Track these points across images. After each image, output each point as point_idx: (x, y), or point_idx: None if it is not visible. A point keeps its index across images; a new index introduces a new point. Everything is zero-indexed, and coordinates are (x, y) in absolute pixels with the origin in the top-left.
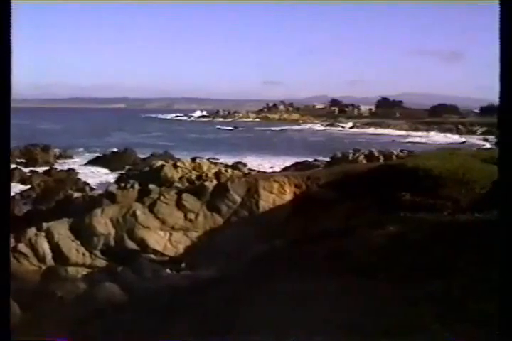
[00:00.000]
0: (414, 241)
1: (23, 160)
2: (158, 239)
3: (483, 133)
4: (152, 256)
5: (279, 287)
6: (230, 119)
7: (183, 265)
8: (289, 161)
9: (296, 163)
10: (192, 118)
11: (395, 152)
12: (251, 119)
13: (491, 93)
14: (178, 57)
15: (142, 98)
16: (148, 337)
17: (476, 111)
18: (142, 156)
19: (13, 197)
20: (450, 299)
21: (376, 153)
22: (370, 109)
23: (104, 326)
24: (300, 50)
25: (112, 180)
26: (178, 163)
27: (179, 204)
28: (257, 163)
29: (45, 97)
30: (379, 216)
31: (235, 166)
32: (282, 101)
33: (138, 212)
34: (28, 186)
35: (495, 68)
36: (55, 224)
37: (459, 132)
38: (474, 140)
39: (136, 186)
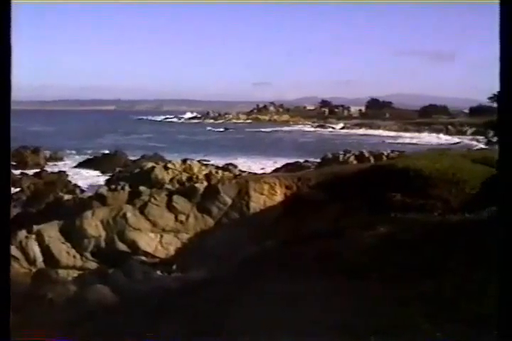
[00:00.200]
0: (405, 242)
1: (13, 163)
2: (149, 241)
3: (472, 134)
4: (143, 258)
5: (269, 288)
6: (220, 121)
7: (174, 267)
8: (279, 162)
9: (287, 164)
10: (182, 120)
11: (385, 153)
12: (241, 121)
13: (480, 93)
14: (167, 58)
15: (132, 100)
16: (139, 338)
17: (466, 111)
18: (133, 158)
19: None
20: (441, 299)
21: (366, 154)
22: (360, 110)
23: (95, 328)
24: (290, 51)
25: (103, 182)
26: (169, 165)
27: (170, 206)
28: (247, 164)
29: (34, 99)
30: (369, 217)
31: (225, 168)
32: (272, 103)
33: (128, 214)
34: (18, 189)
35: (485, 69)
36: (45, 226)
37: (448, 132)
38: (467, 140)
39: (127, 188)
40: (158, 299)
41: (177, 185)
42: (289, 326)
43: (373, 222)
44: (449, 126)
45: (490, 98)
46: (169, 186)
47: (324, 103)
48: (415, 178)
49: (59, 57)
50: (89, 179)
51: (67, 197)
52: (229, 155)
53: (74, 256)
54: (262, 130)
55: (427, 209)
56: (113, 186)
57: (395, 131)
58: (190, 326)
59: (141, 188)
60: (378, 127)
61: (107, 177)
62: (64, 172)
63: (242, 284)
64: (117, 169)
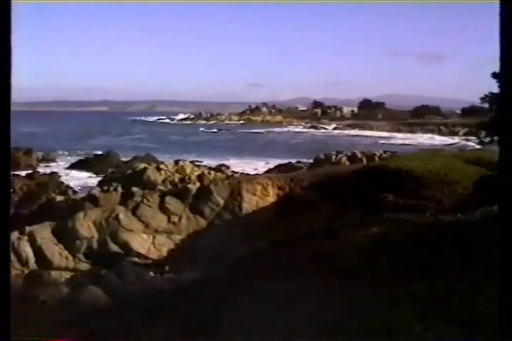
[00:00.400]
0: (397, 242)
1: None
2: (141, 242)
3: (465, 134)
4: (136, 259)
5: (262, 288)
6: (212, 122)
7: (166, 268)
8: (272, 163)
9: (280, 165)
10: (175, 121)
11: (377, 153)
12: (234, 121)
13: (472, 94)
14: (160, 59)
15: (124, 101)
16: (132, 339)
17: (458, 112)
18: (126, 159)
19: None
20: (433, 299)
21: (359, 155)
22: (352, 111)
23: (88, 329)
24: (282, 52)
25: (95, 184)
26: (161, 166)
27: (162, 207)
28: (240, 165)
29: (26, 100)
30: (362, 217)
31: (218, 169)
32: (265, 104)
33: (121, 215)
34: (11, 190)
35: (477, 70)
36: (37, 227)
37: (441, 133)
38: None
39: (119, 189)
40: (151, 300)
41: (169, 186)
42: (282, 326)
43: (366, 223)
44: (442, 127)
45: (482, 99)
46: (162, 187)
47: (316, 104)
48: (407, 179)
49: (51, 59)
50: (81, 180)
51: (59, 198)
52: (222, 156)
53: (66, 258)
54: (255, 131)
55: (420, 209)
56: (105, 187)
57: (387, 131)
58: (183, 326)
59: (134, 189)
60: (371, 128)
61: (99, 179)
62: (56, 173)
63: (234, 284)
64: (110, 170)
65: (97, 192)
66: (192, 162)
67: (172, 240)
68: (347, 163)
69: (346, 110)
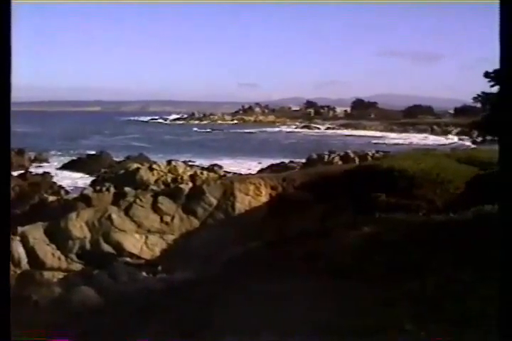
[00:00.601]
0: (389, 242)
1: None
2: (134, 242)
3: (457, 134)
4: (128, 259)
5: (255, 288)
6: (205, 122)
7: (159, 268)
8: (265, 163)
9: (272, 165)
10: (168, 121)
11: (370, 153)
12: (227, 121)
13: (465, 94)
14: (153, 59)
15: (117, 101)
16: (125, 339)
17: (451, 111)
18: (119, 159)
19: None
20: (425, 299)
21: (351, 155)
22: (345, 111)
23: (80, 329)
24: (274, 52)
25: (87, 184)
26: (154, 166)
27: (155, 207)
28: (233, 165)
29: (19, 100)
30: (354, 217)
31: (210, 168)
32: (258, 103)
33: (113, 215)
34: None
35: (470, 70)
36: (30, 228)
37: (434, 133)
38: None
39: (112, 189)
40: (144, 300)
41: (162, 186)
42: (275, 326)
43: (358, 223)
44: (435, 126)
45: (474, 98)
46: (154, 187)
47: (309, 104)
48: (400, 178)
49: (43, 58)
50: (73, 180)
51: (51, 198)
52: (215, 156)
53: (59, 258)
54: (248, 131)
55: (412, 209)
56: (98, 187)
57: (380, 131)
58: (175, 326)
59: (126, 189)
60: (364, 127)
61: (91, 179)
62: (48, 173)
63: (227, 284)
64: (102, 170)
65: (89, 192)
66: (184, 162)
67: (165, 240)
68: (339, 163)
69: (339, 110)
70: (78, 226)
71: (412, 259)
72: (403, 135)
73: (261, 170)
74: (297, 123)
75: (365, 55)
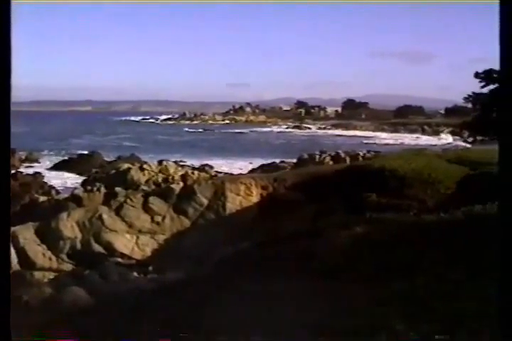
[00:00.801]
0: (381, 242)
1: None
2: (125, 243)
3: (452, 134)
4: (119, 259)
5: (246, 288)
6: (196, 122)
7: (150, 268)
8: (256, 163)
9: (263, 165)
10: (159, 121)
11: (361, 153)
12: (218, 121)
13: (456, 94)
14: (143, 59)
15: (108, 100)
16: (116, 339)
17: (442, 112)
18: (109, 159)
19: None
20: (416, 299)
21: (342, 155)
22: (336, 111)
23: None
24: (265, 52)
25: (79, 184)
26: (145, 166)
27: (146, 207)
28: (224, 165)
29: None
30: (346, 217)
31: (201, 168)
32: (248, 103)
33: (104, 216)
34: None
35: (460, 70)
36: (20, 228)
37: (424, 133)
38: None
39: (103, 189)
40: (135, 300)
41: (153, 186)
42: (266, 326)
43: (349, 222)
44: (425, 127)
45: (465, 98)
46: (145, 187)
47: (300, 104)
48: (391, 178)
49: (32, 58)
50: (64, 180)
51: (42, 198)
52: (205, 156)
53: (50, 258)
54: (239, 131)
55: (403, 209)
56: (89, 187)
57: (372, 131)
58: (166, 326)
59: (117, 189)
60: (355, 127)
61: (82, 179)
62: (39, 173)
63: (218, 284)
64: (93, 170)
65: (80, 192)
66: (176, 162)
67: (156, 240)
68: (330, 163)
69: (330, 110)
70: (69, 226)
71: (403, 259)
72: (394, 135)
73: (252, 170)
74: (288, 123)
75: (357, 56)
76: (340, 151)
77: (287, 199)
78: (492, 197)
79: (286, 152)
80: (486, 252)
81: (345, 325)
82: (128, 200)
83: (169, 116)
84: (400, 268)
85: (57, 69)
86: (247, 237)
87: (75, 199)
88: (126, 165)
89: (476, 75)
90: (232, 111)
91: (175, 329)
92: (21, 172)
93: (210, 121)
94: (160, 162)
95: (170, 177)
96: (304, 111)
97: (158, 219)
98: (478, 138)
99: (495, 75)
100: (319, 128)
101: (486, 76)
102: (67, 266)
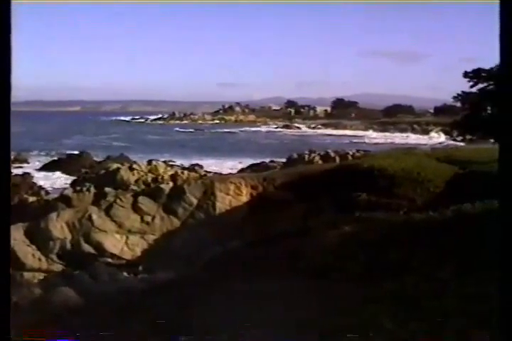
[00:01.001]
0: (370, 241)
1: None
2: (115, 243)
3: (436, 133)
4: (109, 259)
5: (236, 287)
6: (186, 121)
7: (140, 268)
8: (245, 163)
9: (253, 165)
10: (148, 121)
11: (350, 152)
12: (207, 121)
13: (445, 93)
14: (131, 58)
15: (97, 100)
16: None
17: (431, 111)
18: (99, 159)
19: None
20: (405, 298)
21: (332, 154)
22: (325, 110)
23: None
24: (255, 51)
25: (68, 184)
26: (134, 166)
27: (135, 207)
28: (214, 165)
29: None
30: (335, 216)
31: (191, 168)
32: (238, 103)
33: (94, 216)
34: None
35: (450, 70)
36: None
37: (414, 132)
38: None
39: (92, 189)
40: (125, 300)
41: (143, 186)
42: (256, 325)
43: (339, 222)
44: (415, 125)
45: (454, 98)
46: (135, 187)
47: (290, 103)
48: (380, 177)
49: (21, 58)
50: (54, 180)
51: (31, 199)
52: (195, 155)
53: (39, 259)
54: (228, 130)
55: (393, 208)
56: (78, 187)
57: (361, 130)
58: (156, 326)
59: (107, 189)
60: (344, 127)
61: (72, 179)
62: (28, 174)
63: (208, 284)
64: (83, 170)
65: (69, 192)
66: (165, 162)
67: (145, 240)
68: (320, 162)
69: (320, 109)
70: (59, 226)
71: (393, 258)
72: (384, 134)
73: (241, 170)
74: (278, 123)
75: (347, 55)
76: (329, 151)
77: (277, 198)
78: (481, 195)
79: (275, 151)
80: (474, 250)
81: (334, 324)
82: (117, 200)
83: (159, 116)
84: (390, 267)
85: (45, 69)
86: (236, 237)
87: (64, 200)
88: (115, 165)
89: (465, 75)
90: (221, 111)
91: (165, 329)
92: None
93: (200, 121)
94: (149, 162)
95: (159, 177)
96: (293, 111)
97: (148, 219)
98: (468, 137)
99: (483, 74)
100: (309, 127)
101: (474, 75)
102: (57, 267)
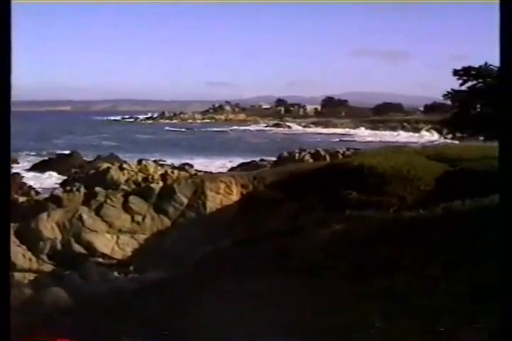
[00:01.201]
0: (360, 239)
1: None
2: (105, 242)
3: (428, 131)
4: (100, 259)
5: (226, 287)
6: (175, 121)
7: (131, 268)
8: (236, 162)
9: (243, 163)
10: (138, 120)
11: (340, 151)
12: (198, 120)
13: (435, 91)
14: (120, 58)
15: (86, 100)
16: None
17: (421, 109)
18: (89, 159)
19: None
20: (396, 295)
21: (322, 152)
22: (315, 109)
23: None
24: (243, 50)
25: (58, 184)
26: (124, 166)
27: (126, 207)
28: (204, 164)
29: None
30: (326, 215)
31: (181, 167)
32: (228, 102)
33: (84, 216)
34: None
35: (439, 68)
36: None
37: (404, 130)
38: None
39: (82, 189)
40: (116, 300)
41: (133, 186)
42: (247, 325)
43: (329, 220)
44: (405, 124)
45: (444, 95)
46: (125, 187)
47: (280, 102)
48: (370, 176)
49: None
50: (44, 180)
51: (21, 199)
52: (185, 155)
53: (30, 259)
54: (219, 129)
55: (383, 206)
56: (68, 187)
57: (351, 128)
58: (147, 326)
59: (97, 189)
60: (334, 125)
61: (62, 179)
62: (18, 174)
63: (198, 283)
64: (73, 170)
65: (59, 192)
66: (155, 161)
67: (136, 240)
68: (310, 161)
69: (310, 108)
70: (49, 226)
71: (383, 256)
72: (374, 132)
73: (232, 169)
74: (268, 122)
75: (337, 54)
76: (319, 149)
77: (267, 197)
78: (471, 193)
79: (265, 150)
80: (464, 248)
81: (325, 323)
82: (108, 200)
83: (149, 115)
84: (380, 265)
85: (34, 69)
86: (227, 236)
87: (54, 200)
88: (105, 165)
89: (455, 73)
90: (211, 110)
91: (156, 328)
92: None
93: (190, 120)
94: (139, 161)
95: (150, 177)
96: (283, 110)
97: (139, 218)
98: (458, 134)
99: (473, 72)
100: (299, 126)
101: (464, 73)
102: (48, 267)
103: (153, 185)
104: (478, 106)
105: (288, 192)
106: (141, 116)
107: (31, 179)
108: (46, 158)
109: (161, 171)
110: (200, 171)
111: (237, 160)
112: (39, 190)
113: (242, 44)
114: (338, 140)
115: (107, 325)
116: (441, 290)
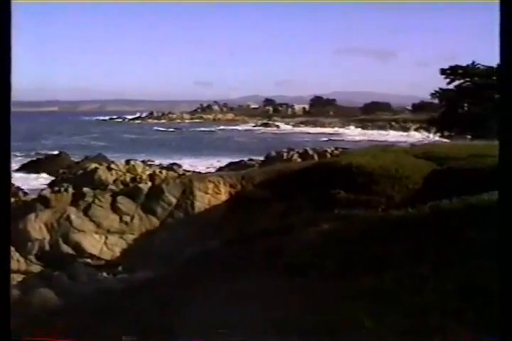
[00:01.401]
0: (349, 238)
1: None
2: (93, 243)
3: (416, 130)
4: (88, 260)
5: (215, 287)
6: (164, 120)
7: (119, 268)
8: (224, 161)
9: (231, 163)
10: (127, 120)
11: (329, 150)
12: (186, 120)
13: (422, 90)
14: (107, 57)
15: (74, 100)
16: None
17: (409, 108)
18: (77, 159)
19: None
20: (383, 295)
21: (310, 152)
22: (304, 108)
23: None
24: (231, 50)
25: (46, 185)
26: (112, 166)
27: (114, 207)
28: (192, 164)
29: None
30: (314, 214)
31: (169, 167)
32: (216, 102)
33: (72, 216)
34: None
35: (426, 67)
36: None
37: (392, 129)
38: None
39: (70, 190)
40: (104, 300)
41: (121, 186)
42: (235, 325)
43: (318, 219)
44: (393, 123)
45: (432, 94)
46: (113, 187)
47: (268, 101)
48: (358, 175)
49: None
50: (32, 181)
51: None
52: (175, 155)
53: (18, 260)
54: (207, 129)
55: (371, 205)
56: (56, 188)
57: (339, 128)
58: (135, 327)
59: (85, 190)
60: (323, 125)
61: (50, 179)
62: None
63: (187, 284)
64: (61, 171)
65: (47, 193)
66: (143, 161)
67: (124, 240)
68: (298, 160)
69: (298, 107)
70: (37, 227)
71: (372, 255)
72: (362, 131)
73: (220, 169)
74: (256, 121)
75: (325, 53)
76: (308, 148)
77: (256, 197)
78: (459, 191)
79: (254, 150)
80: (451, 246)
81: (314, 323)
82: (96, 200)
83: (137, 116)
84: (369, 264)
85: (20, 69)
86: (216, 235)
87: (42, 201)
88: (93, 165)
89: (442, 72)
90: (199, 110)
91: (144, 329)
92: None
93: (178, 120)
94: (127, 161)
95: (138, 177)
96: (271, 109)
97: (127, 218)
98: (445, 133)
99: (460, 71)
100: (288, 125)
101: (451, 72)
102: (36, 268)
103: (141, 185)
104: (465, 104)
105: (276, 192)
106: (129, 116)
107: (19, 180)
108: (34, 159)
109: (149, 171)
110: (189, 171)
111: (226, 160)
112: (27, 190)
113: (229, 43)
114: (326, 139)
115: (96, 326)
116: (429, 288)
